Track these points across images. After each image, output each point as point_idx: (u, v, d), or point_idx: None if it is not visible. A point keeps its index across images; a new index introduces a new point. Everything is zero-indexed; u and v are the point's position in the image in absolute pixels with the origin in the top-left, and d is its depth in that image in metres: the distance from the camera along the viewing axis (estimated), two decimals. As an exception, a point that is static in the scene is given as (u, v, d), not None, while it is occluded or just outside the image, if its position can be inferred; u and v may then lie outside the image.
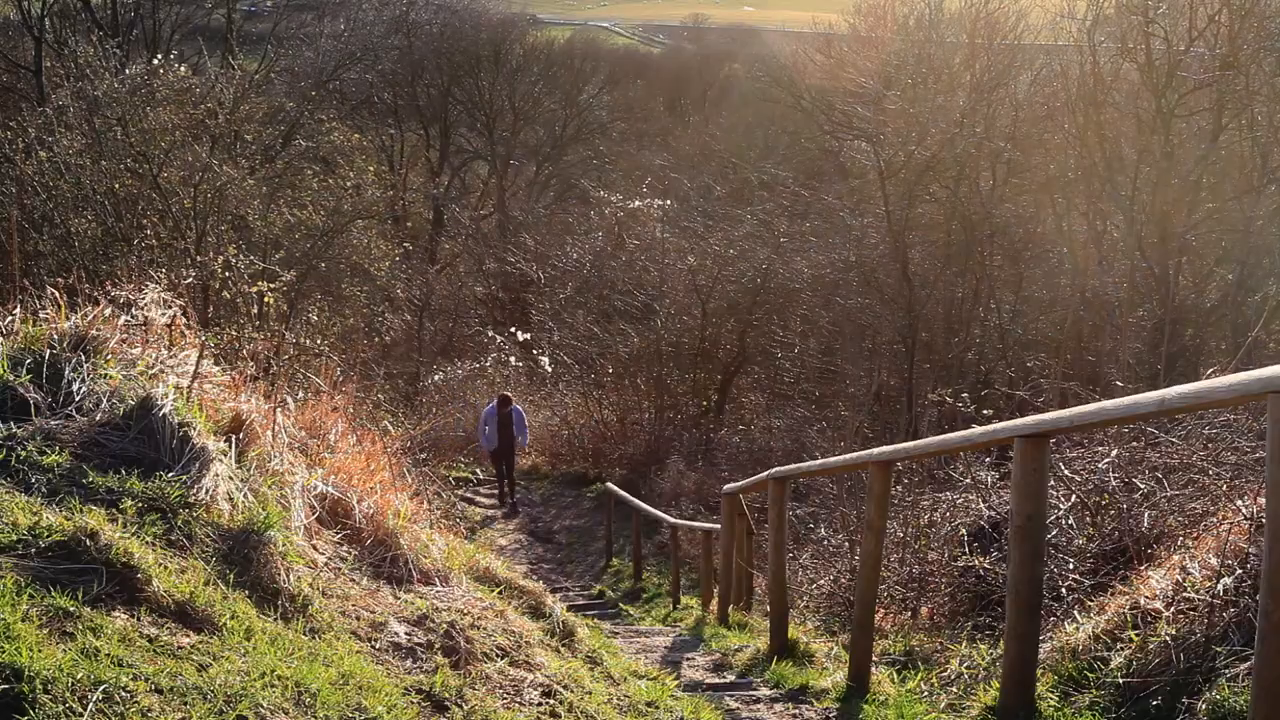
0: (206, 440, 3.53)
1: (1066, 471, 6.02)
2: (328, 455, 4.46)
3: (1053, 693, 3.83)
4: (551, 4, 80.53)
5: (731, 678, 5.98)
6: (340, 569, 3.71)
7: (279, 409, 4.30)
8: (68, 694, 2.15)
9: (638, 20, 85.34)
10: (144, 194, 14.56)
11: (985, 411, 11.10)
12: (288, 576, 3.23)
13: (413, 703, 2.92)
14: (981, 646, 4.93)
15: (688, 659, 6.74)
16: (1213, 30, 14.84)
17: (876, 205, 20.77)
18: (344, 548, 3.93)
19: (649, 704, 4.15)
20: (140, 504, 3.09)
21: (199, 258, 11.81)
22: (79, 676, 2.20)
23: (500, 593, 4.37)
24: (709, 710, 4.40)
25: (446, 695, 3.05)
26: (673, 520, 12.10)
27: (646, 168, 32.02)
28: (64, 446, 3.23)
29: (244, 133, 17.46)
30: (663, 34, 76.61)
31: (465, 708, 3.04)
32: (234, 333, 7.02)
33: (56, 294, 3.89)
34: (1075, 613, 4.54)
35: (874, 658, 5.15)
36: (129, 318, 4.15)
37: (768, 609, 6.78)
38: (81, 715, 2.11)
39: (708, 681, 5.78)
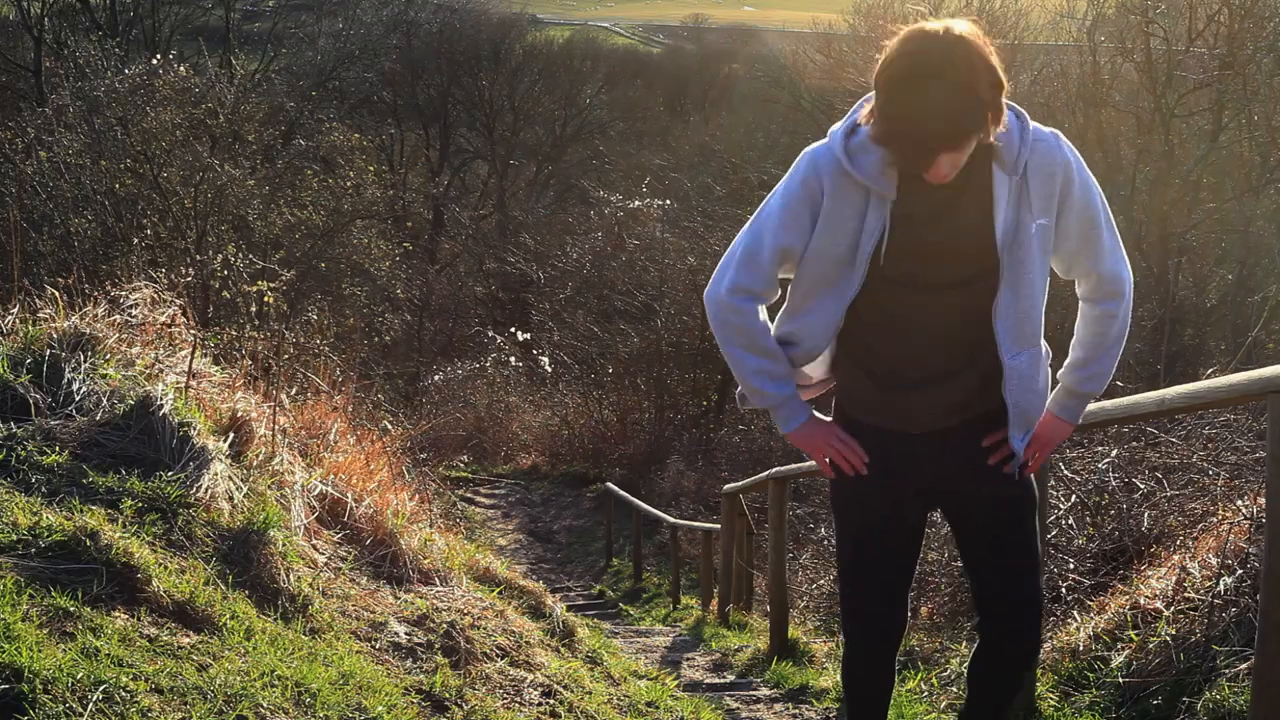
0: (206, 440, 3.52)
1: (1066, 471, 6.02)
2: (327, 455, 4.46)
3: (1053, 693, 3.83)
4: (551, 4, 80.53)
5: (731, 678, 5.98)
6: (340, 569, 3.71)
7: (278, 408, 4.29)
8: (68, 694, 2.15)
9: (638, 20, 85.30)
10: (144, 194, 14.57)
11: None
12: (288, 576, 3.23)
13: (413, 703, 2.92)
14: (981, 646, 4.92)
15: (688, 659, 6.74)
16: (1212, 30, 14.84)
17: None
18: (344, 548, 3.93)
19: (649, 704, 4.15)
20: (140, 504, 3.09)
21: (199, 257, 11.81)
22: (79, 676, 2.20)
23: (500, 593, 4.37)
24: (709, 710, 4.40)
25: (446, 695, 3.05)
26: (673, 520, 12.11)
27: (646, 168, 32.00)
28: (64, 446, 3.22)
29: (244, 133, 17.47)
30: (663, 34, 76.54)
31: (465, 708, 3.04)
32: (233, 332, 7.01)
33: (56, 294, 3.89)
34: (1075, 613, 4.54)
35: (874, 658, 5.14)
36: (128, 317, 4.15)
37: (768, 609, 6.78)
38: (81, 715, 2.11)
39: (708, 681, 5.77)
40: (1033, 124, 2.33)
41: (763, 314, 2.52)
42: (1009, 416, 2.45)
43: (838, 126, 2.38)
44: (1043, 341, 2.50)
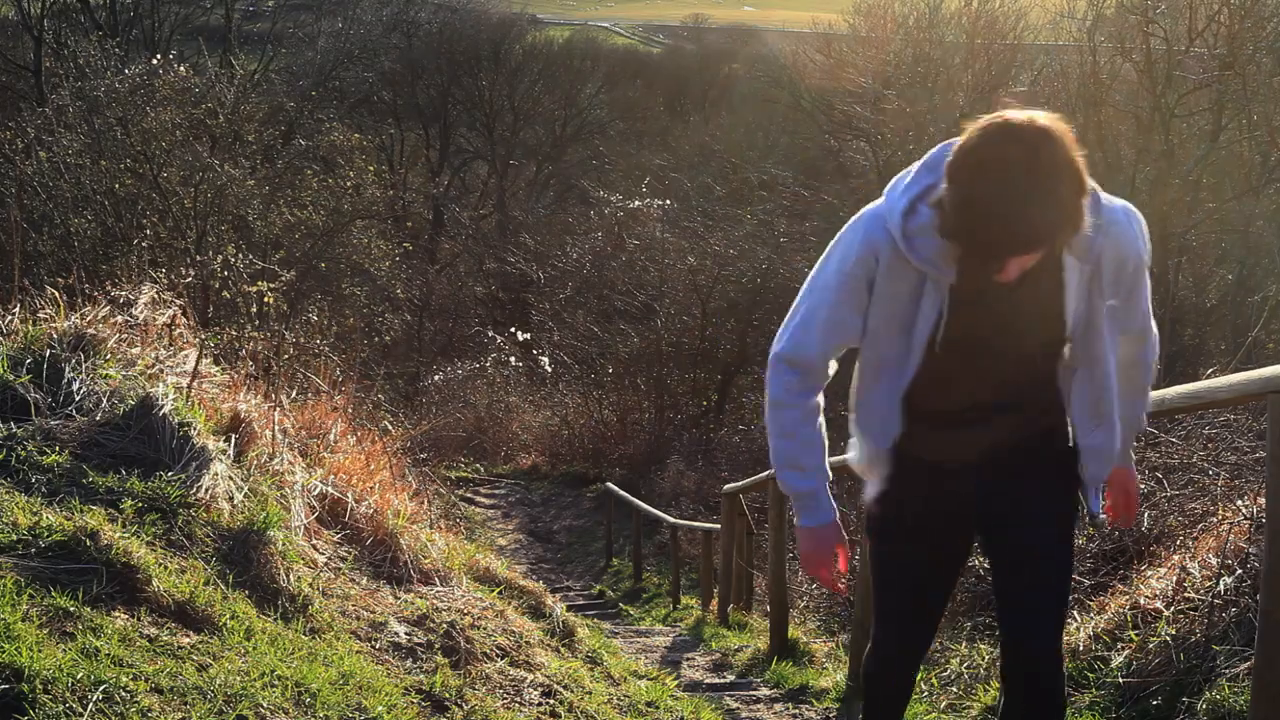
0: (206, 440, 3.53)
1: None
2: (327, 455, 4.46)
3: (1053, 693, 3.83)
4: (551, 4, 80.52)
5: (731, 678, 5.98)
6: (340, 569, 3.71)
7: (278, 409, 4.29)
8: (68, 694, 2.15)
9: (638, 20, 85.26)
10: (144, 194, 14.58)
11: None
12: (288, 576, 3.23)
13: (413, 703, 2.92)
14: (981, 646, 4.92)
15: (688, 659, 6.74)
16: (1212, 30, 14.85)
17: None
18: (344, 548, 3.93)
19: (649, 704, 4.15)
20: (140, 504, 3.09)
21: (199, 257, 11.81)
22: (79, 676, 2.20)
23: (500, 593, 4.37)
24: (709, 710, 4.40)
25: (446, 695, 3.05)
26: (673, 520, 12.10)
27: (646, 168, 32.01)
28: (64, 446, 3.23)
29: (244, 133, 17.47)
30: (663, 34, 76.49)
31: (465, 708, 3.04)
32: (234, 332, 7.02)
33: (56, 294, 3.90)
34: (1075, 613, 4.54)
35: (874, 658, 5.14)
36: (128, 317, 4.15)
37: (768, 609, 6.78)
38: (81, 715, 2.11)
39: (708, 681, 5.78)
40: (1105, 202, 2.17)
41: (809, 399, 2.38)
42: (1084, 486, 2.40)
43: (897, 193, 2.22)
44: (1116, 417, 2.38)
